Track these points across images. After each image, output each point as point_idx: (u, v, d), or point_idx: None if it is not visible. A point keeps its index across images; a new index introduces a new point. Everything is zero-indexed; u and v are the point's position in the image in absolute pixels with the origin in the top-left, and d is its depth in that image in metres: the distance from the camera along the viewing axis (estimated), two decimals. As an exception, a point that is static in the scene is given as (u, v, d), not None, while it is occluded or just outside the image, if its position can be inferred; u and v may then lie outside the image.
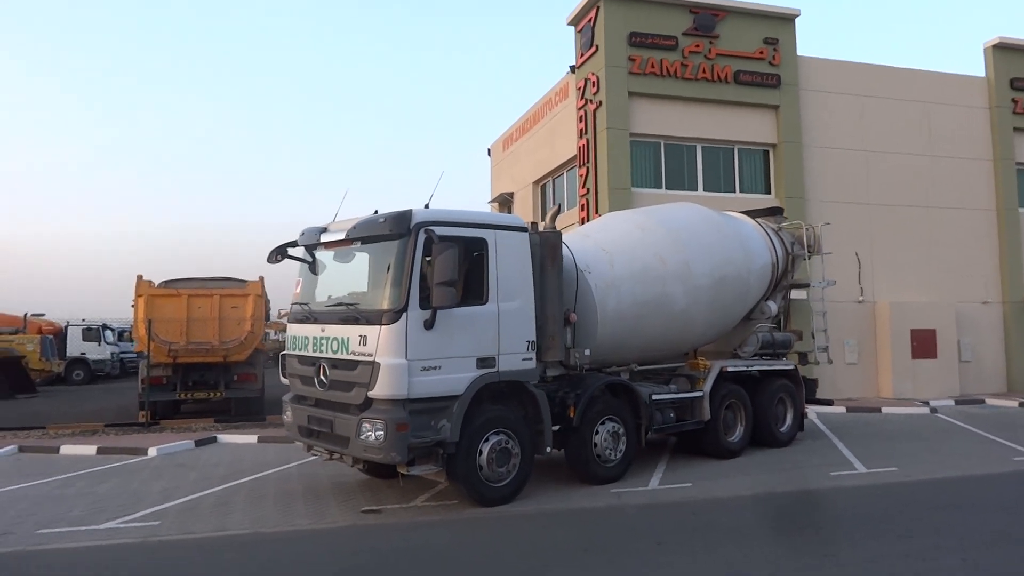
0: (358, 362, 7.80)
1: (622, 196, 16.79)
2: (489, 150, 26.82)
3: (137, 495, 9.03)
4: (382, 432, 7.51)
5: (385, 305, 7.72)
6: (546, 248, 8.93)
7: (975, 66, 20.74)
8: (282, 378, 9.30)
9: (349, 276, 8.90)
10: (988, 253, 19.90)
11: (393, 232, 7.84)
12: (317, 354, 8.41)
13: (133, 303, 15.88)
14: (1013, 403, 17.44)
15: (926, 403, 17.19)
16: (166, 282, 16.30)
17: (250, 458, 11.53)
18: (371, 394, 7.62)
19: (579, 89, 18.03)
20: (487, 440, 8.16)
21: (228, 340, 15.73)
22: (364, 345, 7.73)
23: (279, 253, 9.23)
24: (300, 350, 8.77)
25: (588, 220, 16.73)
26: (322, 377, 8.30)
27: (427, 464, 7.86)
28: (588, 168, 17.54)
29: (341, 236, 8.42)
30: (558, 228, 9.77)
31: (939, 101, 19.71)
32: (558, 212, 9.85)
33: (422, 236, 7.75)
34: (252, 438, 13.27)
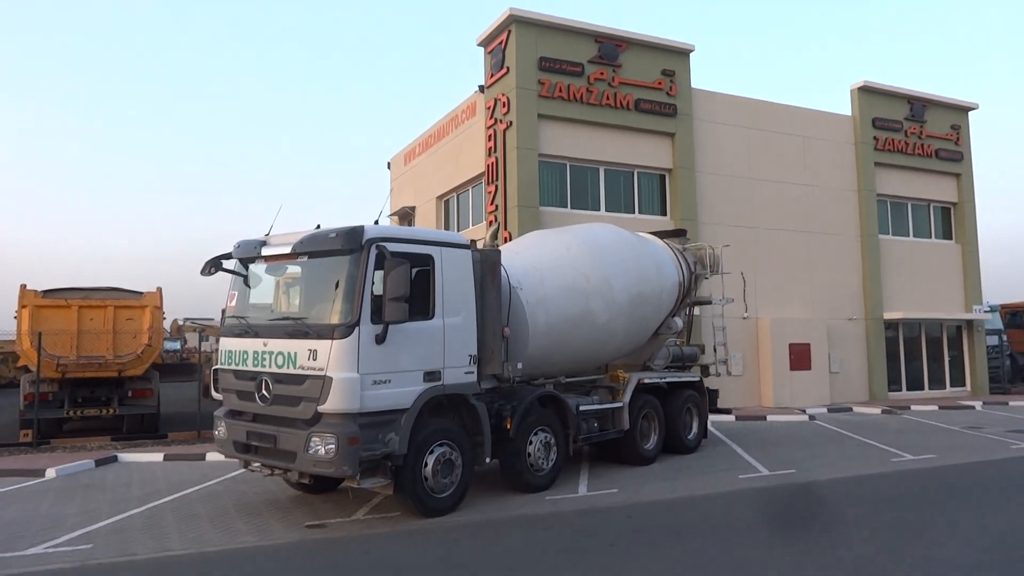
0: (306, 376, 7.77)
1: (530, 214, 17.31)
2: (389, 163, 26.78)
3: (52, 519, 8.52)
4: (333, 446, 7.52)
5: (336, 319, 7.74)
6: (487, 265, 9.22)
7: (844, 105, 22.69)
8: (214, 393, 9.05)
9: (290, 290, 8.83)
10: (853, 274, 21.93)
11: (345, 247, 7.89)
12: (258, 368, 8.28)
13: (16, 314, 14.81)
14: (876, 410, 19.26)
15: (803, 411, 18.71)
16: (49, 291, 15.27)
17: (162, 477, 11.07)
18: (322, 408, 7.61)
19: (488, 108, 18.45)
20: (432, 452, 8.33)
21: (123, 354, 14.96)
22: (314, 359, 7.72)
23: (213, 266, 9.03)
24: (237, 364, 8.59)
25: (496, 237, 17.13)
26: (264, 392, 8.18)
27: (376, 477, 7.92)
28: (497, 186, 17.96)
29: (285, 250, 8.36)
30: (495, 246, 10.07)
31: (814, 136, 21.61)
32: (497, 230, 10.14)
33: (374, 252, 7.85)
34: (157, 456, 12.69)
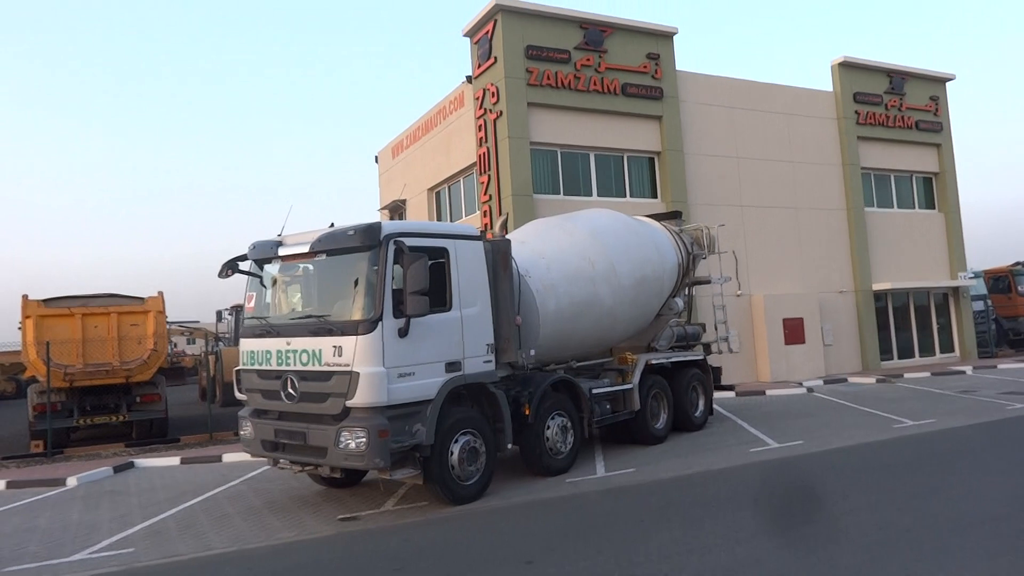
0: (333, 373, 7.94)
1: (524, 202, 17.48)
2: (377, 157, 26.80)
3: (87, 525, 8.65)
4: (363, 439, 7.69)
5: (359, 315, 7.91)
6: (498, 255, 9.40)
7: (825, 81, 23.01)
8: (237, 393, 9.19)
9: (309, 288, 8.97)
10: (842, 248, 22.33)
11: (363, 244, 8.04)
12: (283, 367, 8.43)
13: (20, 325, 14.80)
14: (871, 380, 19.69)
15: (800, 383, 19.11)
16: (47, 300, 15.24)
17: (184, 480, 11.21)
18: (350, 403, 7.79)
19: (477, 99, 18.56)
20: (456, 441, 8.53)
21: (130, 360, 15.00)
22: (339, 356, 7.88)
23: (229, 268, 9.15)
24: (260, 364, 8.73)
25: (491, 226, 17.29)
26: (290, 390, 8.33)
27: (406, 468, 8.13)
28: (489, 175, 18.10)
29: (303, 249, 8.49)
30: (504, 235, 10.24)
31: (797, 113, 21.91)
32: (506, 221, 10.31)
33: (392, 247, 8.00)
34: (174, 460, 12.81)
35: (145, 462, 12.83)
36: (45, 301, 14.95)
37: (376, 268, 7.95)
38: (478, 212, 18.97)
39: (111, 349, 14.88)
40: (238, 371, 9.14)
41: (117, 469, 12.24)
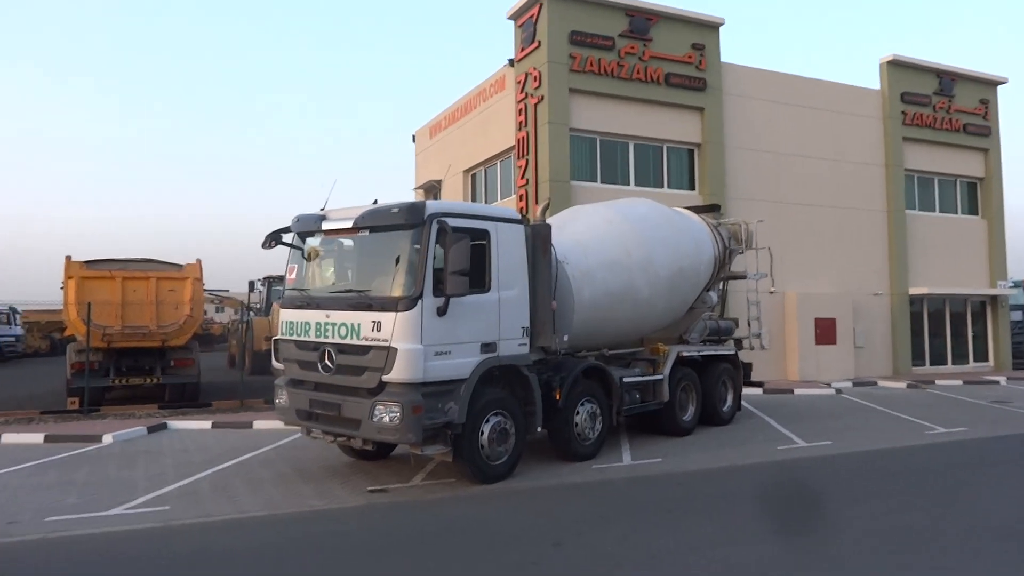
0: (370, 347, 8.03)
1: (561, 188, 17.43)
2: (414, 136, 26.87)
3: (123, 482, 8.87)
4: (397, 414, 7.79)
5: (400, 292, 7.98)
6: (538, 240, 9.42)
7: (873, 79, 22.62)
8: (275, 363, 9.35)
9: (350, 263, 9.07)
10: (880, 250, 22.00)
11: (407, 222, 8.11)
12: (321, 339, 8.54)
13: (62, 285, 15.13)
14: (901, 385, 19.46)
15: (829, 384, 18.94)
16: (89, 262, 15.55)
17: (216, 444, 11.43)
18: (386, 378, 7.88)
19: (519, 83, 18.50)
20: (487, 421, 8.60)
21: (166, 324, 15.27)
22: (378, 331, 7.97)
23: (273, 239, 9.29)
24: (299, 335, 8.86)
25: (527, 210, 17.29)
26: (327, 362, 8.45)
27: (437, 444, 8.21)
28: (527, 160, 18.07)
29: (346, 224, 8.57)
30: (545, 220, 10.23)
31: (841, 110, 21.55)
32: (547, 206, 10.31)
33: (435, 226, 8.05)
34: (205, 424, 13.07)
35: (178, 424, 13.10)
36: (87, 263, 15.26)
37: (418, 246, 8.01)
38: (514, 195, 18.97)
39: (149, 313, 15.16)
40: (276, 340, 9.29)
41: (151, 429, 12.52)
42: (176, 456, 10.48)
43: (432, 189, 24.71)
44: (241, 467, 9.71)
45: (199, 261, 16.09)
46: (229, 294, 41.41)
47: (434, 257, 8.04)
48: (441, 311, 8.01)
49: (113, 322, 14.84)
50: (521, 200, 18.28)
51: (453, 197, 22.78)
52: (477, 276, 8.46)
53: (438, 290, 7.99)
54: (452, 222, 8.18)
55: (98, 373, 15.14)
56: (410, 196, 26.25)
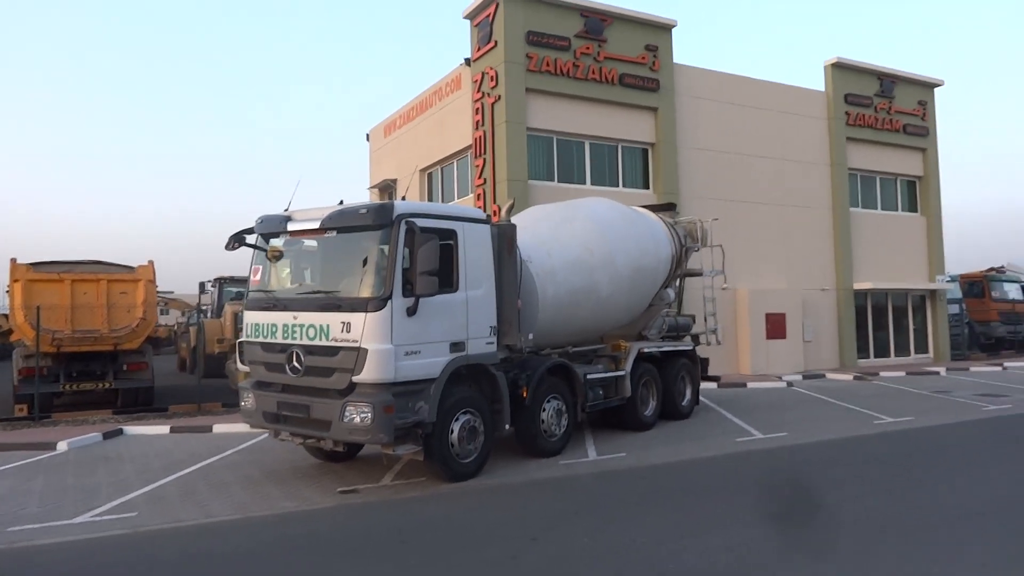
0: (340, 348, 8.02)
1: (519, 187, 17.56)
2: (368, 135, 26.68)
3: (85, 489, 8.69)
4: (368, 415, 7.80)
5: (369, 293, 8.00)
6: (503, 239, 9.51)
7: (818, 81, 23.32)
8: (239, 365, 9.25)
9: (316, 264, 9.03)
10: (826, 246, 22.73)
11: (375, 223, 8.12)
12: (288, 341, 8.49)
13: (7, 289, 14.68)
14: (848, 377, 20.14)
15: (780, 377, 19.48)
16: (35, 264, 15.11)
17: (176, 448, 11.24)
18: (357, 379, 7.88)
19: (475, 82, 18.56)
20: (457, 420, 8.67)
21: (119, 328, 14.95)
22: (348, 332, 7.97)
23: (236, 240, 9.18)
24: (265, 337, 8.79)
25: (485, 209, 17.36)
26: (295, 363, 8.40)
27: (408, 444, 8.24)
28: (485, 159, 18.15)
29: (313, 225, 8.54)
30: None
31: (788, 111, 22.19)
32: (513, 206, 10.41)
33: (404, 227, 8.09)
34: (163, 429, 12.83)
35: (134, 430, 12.83)
36: (33, 265, 14.81)
37: (387, 247, 8.03)
38: (471, 195, 19.03)
39: (100, 316, 14.81)
40: (241, 343, 9.19)
41: (107, 435, 12.23)
42: (136, 462, 10.28)
43: (387, 188, 24.60)
44: (206, 471, 9.58)
45: (151, 263, 15.78)
46: (174, 295, 40.50)
47: (403, 257, 8.07)
48: (411, 311, 8.05)
49: (63, 326, 14.46)
50: (479, 199, 18.36)
51: (410, 196, 22.71)
52: (445, 276, 8.52)
53: (407, 290, 8.02)
54: (420, 222, 8.22)
55: (48, 379, 14.72)
56: (365, 195, 26.09)
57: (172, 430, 12.77)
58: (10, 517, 7.52)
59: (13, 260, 14.55)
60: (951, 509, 7.23)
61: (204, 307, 27.41)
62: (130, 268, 15.74)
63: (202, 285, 27.12)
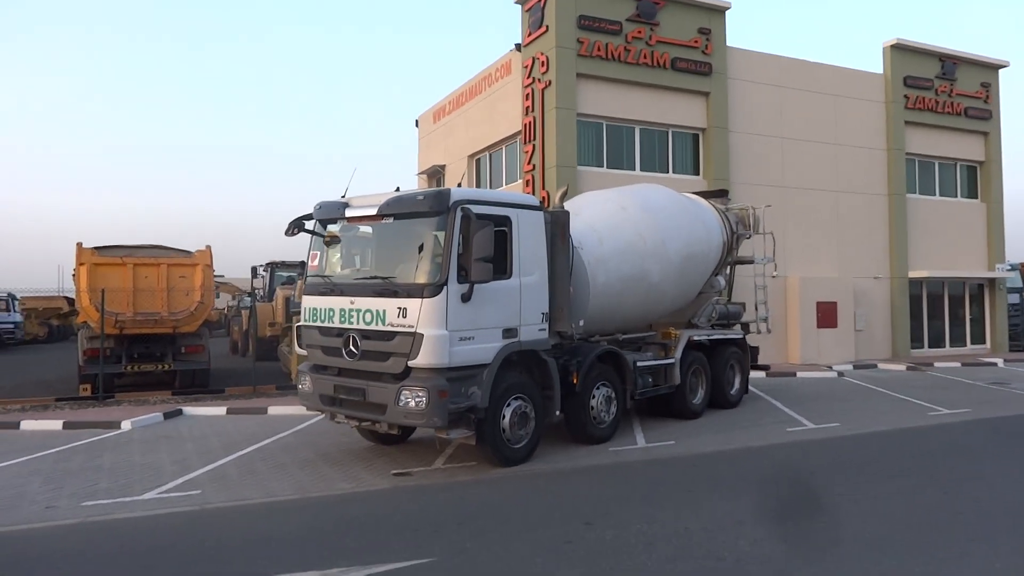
0: (396, 333, 8.16)
1: (568, 173, 17.52)
2: (417, 121, 26.85)
3: (150, 467, 9.03)
4: (423, 399, 7.95)
5: (425, 279, 8.12)
6: (556, 226, 9.55)
7: (876, 63, 22.71)
8: (297, 348, 9.48)
9: (374, 250, 9.18)
10: (880, 233, 22.21)
11: (432, 209, 8.22)
12: (345, 325, 8.67)
13: (74, 272, 15.20)
14: (901, 367, 19.72)
15: (830, 367, 19.18)
16: (99, 248, 15.60)
17: (233, 429, 11.58)
18: (412, 363, 8.03)
19: (526, 67, 18.53)
20: (509, 405, 8.77)
21: (177, 311, 15.38)
22: (404, 317, 8.10)
23: (296, 226, 9.38)
24: (323, 321, 8.98)
25: (534, 194, 17.38)
26: (352, 348, 8.58)
27: (461, 428, 8.37)
28: (534, 145, 18.14)
29: (370, 211, 8.68)
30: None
31: (844, 94, 21.67)
32: (566, 193, 10.42)
33: (460, 214, 8.17)
34: (220, 410, 13.21)
35: (192, 410, 13.24)
36: (98, 249, 15.31)
37: (443, 233, 8.13)
38: (520, 181, 19.06)
39: (160, 299, 15.25)
40: (299, 327, 9.41)
41: (167, 415, 12.65)
42: (196, 442, 10.62)
43: (436, 174, 24.77)
44: (263, 452, 9.86)
45: (209, 247, 16.16)
46: (224, 279, 41.44)
47: (459, 244, 8.16)
48: (465, 297, 8.15)
49: (125, 309, 14.94)
50: (528, 185, 18.38)
51: (457, 182, 22.83)
52: (499, 262, 8.58)
53: (462, 277, 8.12)
54: (476, 209, 8.30)
55: (110, 360, 15.24)
56: (413, 182, 26.32)
57: (229, 411, 13.14)
58: (85, 492, 7.86)
59: (79, 244, 15.04)
60: (1011, 504, 7.07)
61: (257, 291, 28.04)
62: (188, 252, 16.17)
63: (254, 270, 27.71)
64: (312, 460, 9.34)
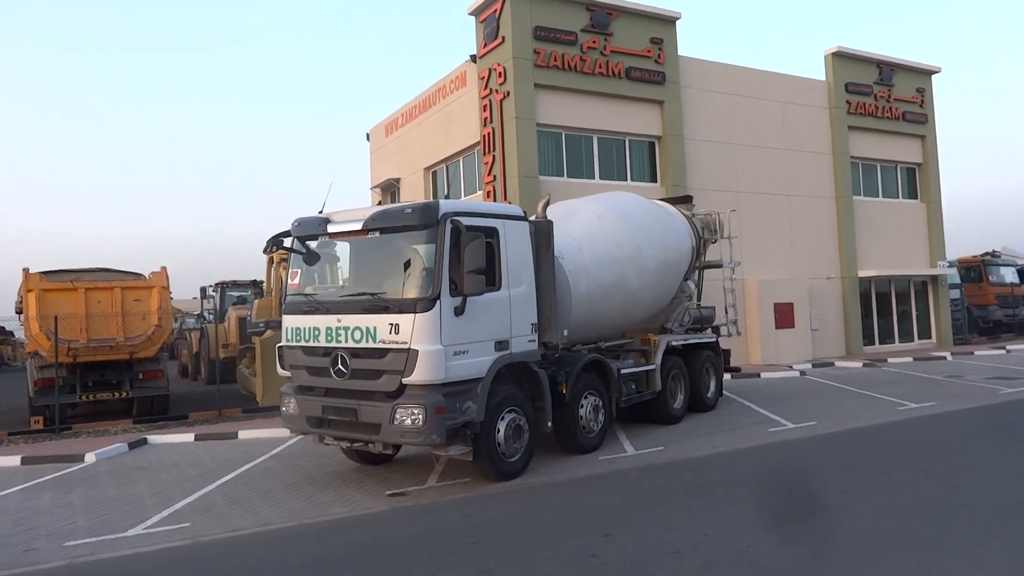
0: (388, 350, 7.95)
1: (530, 183, 17.51)
2: (368, 135, 26.51)
3: (127, 501, 8.57)
4: (420, 416, 7.75)
5: (417, 294, 7.93)
6: (541, 236, 9.47)
7: (818, 70, 23.42)
8: (280, 370, 9.15)
9: (359, 266, 8.94)
10: (831, 235, 22.87)
11: (421, 222, 8.05)
12: (333, 344, 8.40)
13: (21, 299, 14.44)
14: (857, 364, 20.28)
15: (791, 367, 19.58)
16: (48, 273, 14.87)
17: (207, 457, 11.12)
18: (407, 380, 7.82)
19: (482, 79, 18.48)
20: (503, 418, 8.63)
21: (134, 336, 14.76)
22: (396, 333, 7.89)
23: (274, 244, 9.09)
24: (307, 341, 8.69)
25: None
26: (341, 367, 8.32)
27: (458, 444, 8.19)
28: (494, 156, 18.07)
29: (355, 226, 8.45)
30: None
31: (791, 101, 22.28)
32: (548, 202, 10.36)
33: (449, 226, 8.02)
34: (187, 437, 12.69)
35: (158, 438, 12.68)
36: (45, 274, 14.60)
37: (433, 247, 7.97)
38: (480, 192, 18.96)
39: (115, 324, 14.61)
40: (280, 347, 9.09)
41: (132, 445, 12.07)
42: (171, 471, 10.15)
43: (390, 187, 24.48)
44: (245, 478, 9.48)
45: (164, 269, 15.58)
46: (171, 301, 40.10)
47: (448, 257, 8.00)
48: (459, 311, 7.99)
49: (78, 335, 14.27)
50: (489, 196, 18.28)
51: (415, 195, 22.60)
52: (489, 274, 8.45)
53: (454, 290, 7.97)
54: (465, 221, 8.16)
55: (63, 389, 14.50)
56: (367, 195, 25.95)
57: (197, 437, 12.63)
58: (63, 532, 7.39)
59: (26, 270, 14.32)
60: (1003, 496, 7.26)
61: (208, 312, 27.18)
62: (139, 275, 15.54)
63: (203, 290, 26.89)
64: (299, 484, 9.01)
